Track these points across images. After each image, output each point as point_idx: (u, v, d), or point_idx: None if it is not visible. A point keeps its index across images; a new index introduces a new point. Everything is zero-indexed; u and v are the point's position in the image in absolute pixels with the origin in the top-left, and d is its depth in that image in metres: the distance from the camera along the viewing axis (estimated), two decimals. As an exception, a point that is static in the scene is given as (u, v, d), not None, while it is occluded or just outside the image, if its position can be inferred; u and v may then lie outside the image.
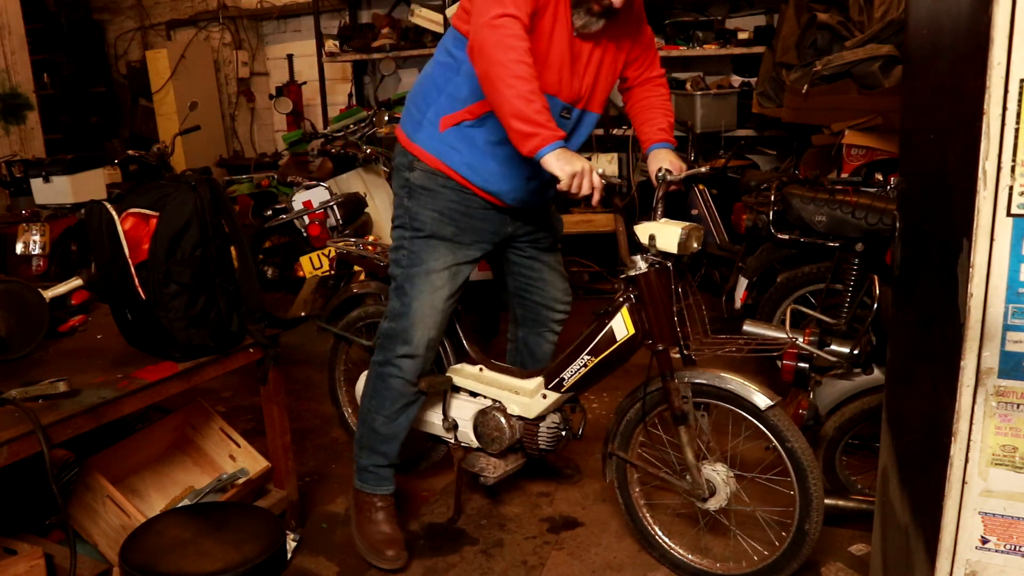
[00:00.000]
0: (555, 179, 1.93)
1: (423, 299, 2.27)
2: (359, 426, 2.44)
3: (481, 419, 2.44)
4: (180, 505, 2.31)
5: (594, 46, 2.19)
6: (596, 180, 1.95)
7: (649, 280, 2.10)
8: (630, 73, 2.39)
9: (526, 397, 2.38)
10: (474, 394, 2.49)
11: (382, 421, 2.38)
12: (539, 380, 2.36)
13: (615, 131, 5.18)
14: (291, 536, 2.46)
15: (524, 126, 1.90)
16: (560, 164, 1.90)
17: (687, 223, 2.07)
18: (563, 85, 2.16)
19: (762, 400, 2.06)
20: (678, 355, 2.17)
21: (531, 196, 2.32)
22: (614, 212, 2.11)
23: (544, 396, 2.35)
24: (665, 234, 2.05)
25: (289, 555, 2.35)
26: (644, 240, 2.09)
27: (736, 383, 2.09)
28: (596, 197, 1.96)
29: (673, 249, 2.04)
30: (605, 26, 2.13)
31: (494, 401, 2.45)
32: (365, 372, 2.72)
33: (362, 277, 3.12)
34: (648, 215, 2.17)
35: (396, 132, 2.36)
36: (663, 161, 2.29)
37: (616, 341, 2.19)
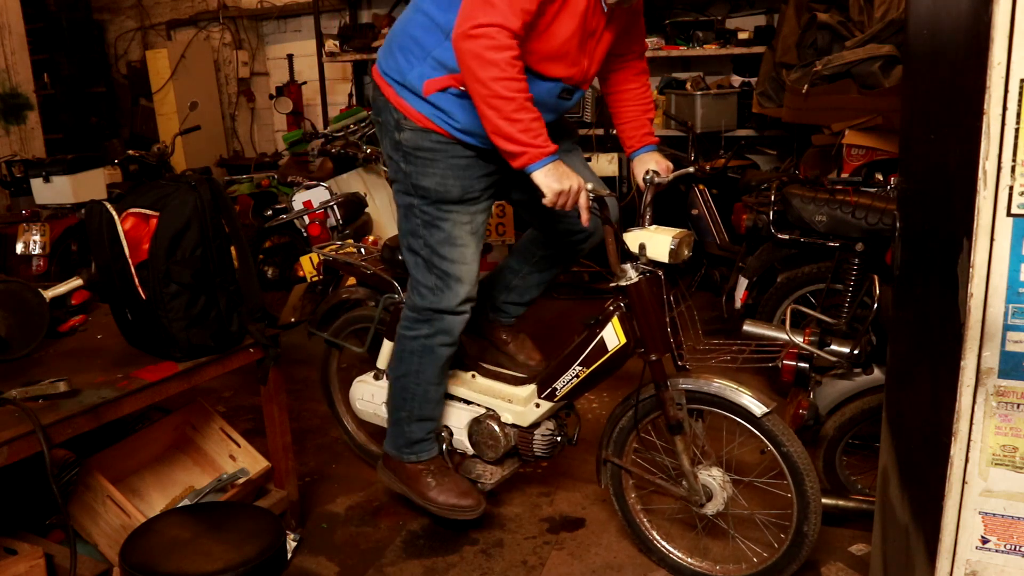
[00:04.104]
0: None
1: (457, 264, 2.14)
2: (401, 404, 2.33)
3: (475, 427, 2.40)
4: (180, 505, 2.31)
5: (608, 21, 2.00)
6: (583, 200, 1.90)
7: (640, 290, 2.04)
8: (620, 46, 2.21)
9: (519, 406, 2.33)
10: (468, 401, 2.45)
11: (434, 388, 2.31)
12: (532, 388, 2.31)
13: (615, 131, 5.17)
14: (291, 536, 2.46)
15: (510, 145, 1.85)
16: (548, 181, 1.86)
17: (678, 230, 2.02)
18: (569, 66, 2.00)
19: (757, 407, 2.04)
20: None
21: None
22: (604, 223, 2.06)
23: (537, 405, 2.31)
24: (656, 243, 2.00)
25: (289, 555, 2.35)
26: (634, 248, 2.03)
27: (731, 390, 2.07)
28: (584, 216, 1.92)
29: (665, 258, 2.00)
30: None
31: (487, 409, 2.40)
32: (362, 376, 2.71)
33: (350, 281, 3.11)
34: (637, 222, 2.12)
35: (374, 76, 2.17)
36: (650, 163, 2.25)
37: (607, 351, 2.15)
